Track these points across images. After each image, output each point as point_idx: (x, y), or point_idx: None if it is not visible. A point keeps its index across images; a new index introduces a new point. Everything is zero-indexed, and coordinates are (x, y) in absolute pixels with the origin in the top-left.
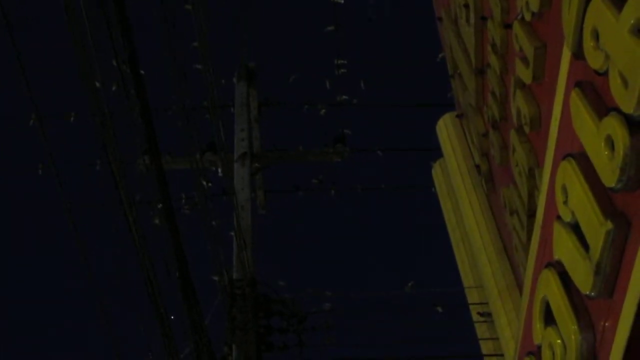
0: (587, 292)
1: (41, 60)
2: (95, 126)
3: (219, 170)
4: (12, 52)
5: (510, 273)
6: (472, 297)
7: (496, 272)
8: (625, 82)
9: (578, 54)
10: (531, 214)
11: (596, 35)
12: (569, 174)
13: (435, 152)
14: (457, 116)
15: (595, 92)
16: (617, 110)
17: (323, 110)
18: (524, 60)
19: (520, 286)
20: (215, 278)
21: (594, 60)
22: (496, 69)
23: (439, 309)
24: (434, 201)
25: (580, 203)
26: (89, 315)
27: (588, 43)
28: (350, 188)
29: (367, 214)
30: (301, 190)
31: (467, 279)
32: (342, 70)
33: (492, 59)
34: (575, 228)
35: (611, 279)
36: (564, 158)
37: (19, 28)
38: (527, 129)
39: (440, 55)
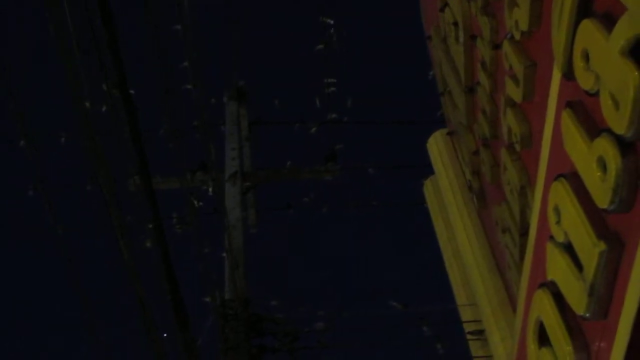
0: (582, 313)
1: (33, 79)
2: (86, 148)
3: (210, 189)
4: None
5: (503, 290)
6: (465, 314)
7: (488, 289)
8: (616, 104)
9: (568, 75)
10: (523, 233)
11: (586, 56)
12: (561, 194)
13: (427, 168)
14: (448, 134)
15: (586, 112)
16: (609, 131)
17: (314, 129)
18: (514, 79)
19: (513, 303)
20: (208, 299)
21: (585, 81)
22: (486, 87)
23: (425, 329)
24: (426, 218)
25: (573, 224)
26: (80, 336)
27: (578, 64)
28: (342, 205)
29: (360, 231)
30: (293, 208)
31: (459, 296)
32: (332, 89)
33: (482, 77)
34: (568, 249)
35: (605, 300)
36: (555, 178)
37: (9, 48)
38: (518, 147)
39: (431, 73)
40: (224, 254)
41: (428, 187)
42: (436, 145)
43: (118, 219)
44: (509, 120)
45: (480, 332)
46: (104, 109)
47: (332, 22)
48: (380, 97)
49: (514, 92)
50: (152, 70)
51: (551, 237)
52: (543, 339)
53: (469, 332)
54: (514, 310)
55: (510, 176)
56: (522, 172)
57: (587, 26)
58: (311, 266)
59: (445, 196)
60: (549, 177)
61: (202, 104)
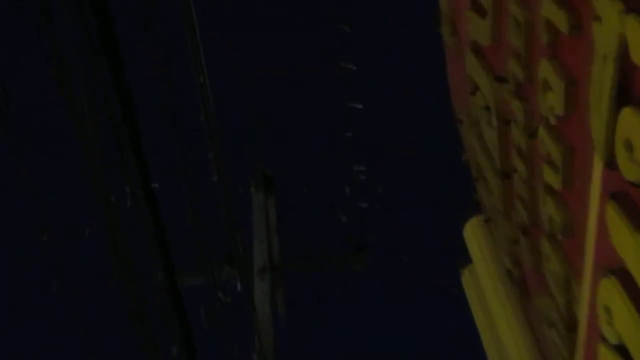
0: None
1: (56, 169)
2: (108, 242)
3: (238, 284)
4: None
5: None
6: None
7: None
8: None
9: (611, 164)
10: (571, 328)
11: (629, 146)
12: (611, 292)
13: (465, 256)
14: (485, 220)
15: (633, 205)
16: None
17: (344, 218)
18: (552, 165)
19: None
20: None
21: (629, 172)
22: (523, 173)
23: None
24: (465, 309)
25: (626, 325)
26: None
27: (621, 154)
28: (375, 297)
29: (395, 325)
30: (324, 302)
31: None
32: (362, 177)
33: (518, 163)
34: (623, 351)
35: None
36: (604, 275)
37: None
38: (560, 237)
39: (464, 158)
40: (254, 357)
41: (466, 277)
42: (473, 233)
43: (140, 321)
44: (549, 209)
45: None
46: (128, 203)
47: (360, 106)
48: (412, 183)
49: (553, 179)
50: (177, 162)
51: (603, 339)
52: None
53: None
54: None
55: (553, 267)
56: (566, 263)
57: (628, 114)
58: None
59: (485, 287)
60: (596, 271)
61: (228, 197)
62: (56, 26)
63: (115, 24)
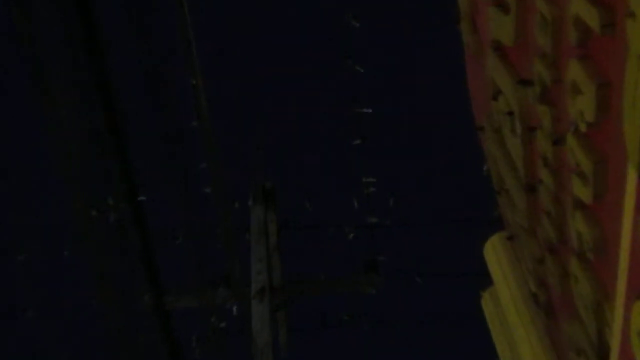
0: None
1: (36, 189)
2: (92, 264)
3: (234, 307)
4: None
5: None
6: None
7: None
8: None
9: None
10: (602, 356)
11: None
12: None
13: (485, 277)
14: (508, 238)
15: None
16: None
17: (351, 234)
18: (582, 176)
19: None
20: None
21: None
22: (550, 185)
23: None
24: (486, 335)
25: None
26: None
27: None
28: (386, 322)
29: (408, 352)
30: (329, 327)
31: None
32: (371, 189)
33: (545, 175)
34: None
35: None
36: (638, 297)
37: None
38: (590, 256)
39: (485, 168)
40: None
41: (487, 300)
42: (494, 252)
43: (126, 345)
44: (578, 225)
45: None
46: (112, 218)
47: (370, 110)
48: (427, 196)
49: (583, 191)
50: (166, 171)
51: None
52: None
53: None
54: None
55: (582, 289)
56: (597, 285)
57: None
58: None
59: (507, 310)
60: (630, 293)
61: (224, 211)
62: (36, 29)
63: (102, 27)
